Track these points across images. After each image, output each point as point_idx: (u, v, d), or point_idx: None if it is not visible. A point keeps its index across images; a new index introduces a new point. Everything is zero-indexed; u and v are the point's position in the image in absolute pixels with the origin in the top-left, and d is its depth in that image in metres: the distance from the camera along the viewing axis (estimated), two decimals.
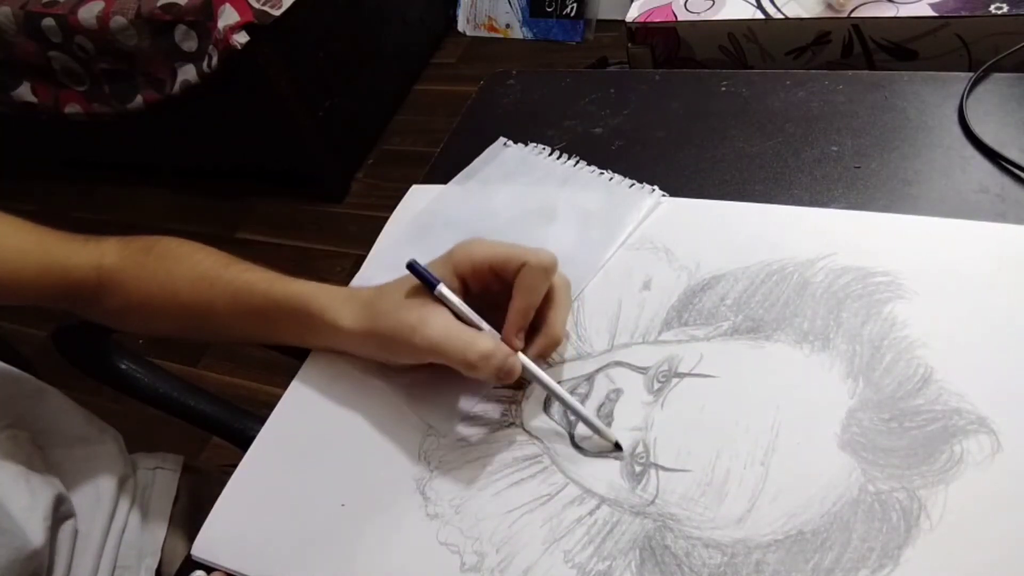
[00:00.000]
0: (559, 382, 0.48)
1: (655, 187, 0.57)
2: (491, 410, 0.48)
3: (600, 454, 0.44)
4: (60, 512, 0.56)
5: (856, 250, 0.48)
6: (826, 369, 0.43)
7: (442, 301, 0.46)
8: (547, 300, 0.46)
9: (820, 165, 0.56)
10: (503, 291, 0.46)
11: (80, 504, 0.58)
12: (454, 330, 0.45)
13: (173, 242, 0.56)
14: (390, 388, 0.51)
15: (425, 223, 0.61)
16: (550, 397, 0.47)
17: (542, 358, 0.47)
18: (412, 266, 0.47)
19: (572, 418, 0.46)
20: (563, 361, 0.49)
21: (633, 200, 0.56)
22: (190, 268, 0.54)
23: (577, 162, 0.61)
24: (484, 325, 0.46)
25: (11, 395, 0.59)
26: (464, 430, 0.48)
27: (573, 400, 0.45)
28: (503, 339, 0.45)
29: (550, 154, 0.63)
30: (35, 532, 0.52)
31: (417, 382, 0.50)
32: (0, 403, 0.57)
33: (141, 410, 0.74)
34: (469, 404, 0.49)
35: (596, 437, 0.45)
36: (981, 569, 0.35)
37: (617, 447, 0.44)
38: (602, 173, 0.59)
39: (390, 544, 0.44)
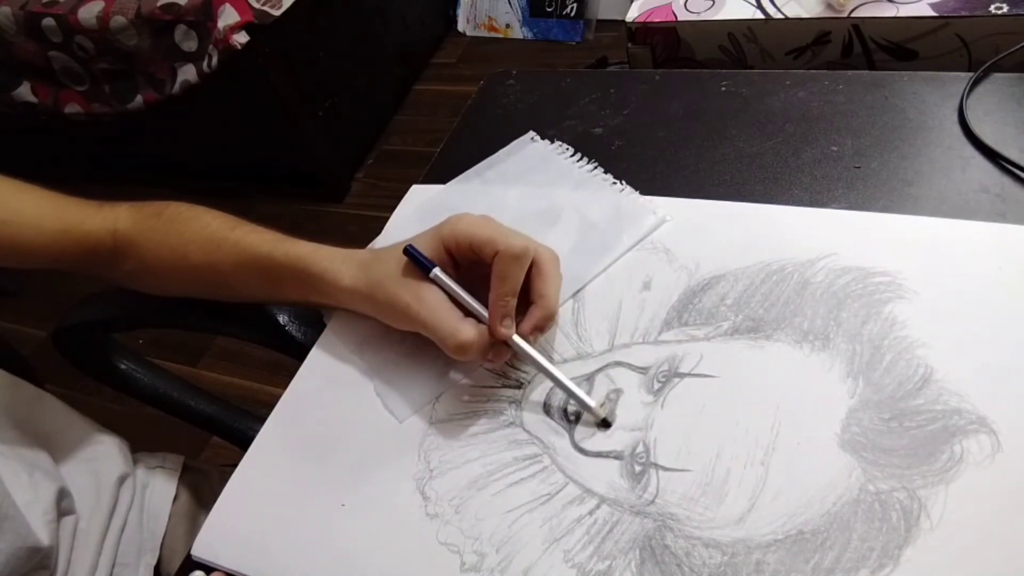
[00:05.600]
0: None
1: (657, 210, 0.55)
2: (491, 410, 0.48)
3: (600, 454, 0.44)
4: (61, 508, 0.56)
5: (856, 250, 0.48)
6: (826, 369, 0.43)
7: (436, 283, 0.48)
8: (537, 274, 0.48)
9: (820, 165, 0.56)
10: (488, 267, 0.48)
11: (80, 501, 0.59)
12: (442, 315, 0.47)
13: (182, 206, 0.58)
14: (367, 367, 0.53)
15: (435, 208, 0.62)
16: (550, 397, 0.47)
17: (540, 332, 0.48)
18: (408, 251, 0.48)
19: (572, 417, 0.46)
20: (563, 361, 0.49)
21: (636, 218, 0.56)
22: (199, 230, 0.56)
23: (595, 167, 0.61)
24: (477, 307, 0.48)
25: (11, 401, 0.60)
26: (464, 428, 0.48)
27: (562, 375, 0.46)
28: (489, 329, 0.47)
29: (572, 155, 0.63)
30: (37, 525, 0.52)
31: (388, 364, 0.52)
32: (3, 407, 0.58)
33: (141, 410, 0.74)
34: (427, 396, 0.50)
35: (597, 435, 0.45)
36: (981, 569, 0.35)
37: (605, 424, 0.45)
38: (615, 183, 0.59)
39: (390, 544, 0.44)
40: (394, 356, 0.52)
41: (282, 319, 0.65)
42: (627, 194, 0.58)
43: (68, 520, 0.57)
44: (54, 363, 0.70)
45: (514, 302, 0.47)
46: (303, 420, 0.52)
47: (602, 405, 0.45)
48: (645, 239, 0.54)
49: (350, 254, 0.53)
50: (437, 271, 0.48)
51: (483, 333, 0.47)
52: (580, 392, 0.46)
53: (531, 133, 0.66)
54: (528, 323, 0.48)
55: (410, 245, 0.49)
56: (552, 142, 0.65)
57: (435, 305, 0.47)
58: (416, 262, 0.48)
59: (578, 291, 0.53)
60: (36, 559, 0.52)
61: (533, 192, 0.61)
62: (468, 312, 0.48)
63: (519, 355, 0.47)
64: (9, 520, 0.50)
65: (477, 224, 0.48)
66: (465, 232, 0.48)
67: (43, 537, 0.53)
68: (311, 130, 1.77)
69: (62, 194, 0.57)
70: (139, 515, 0.64)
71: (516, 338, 0.47)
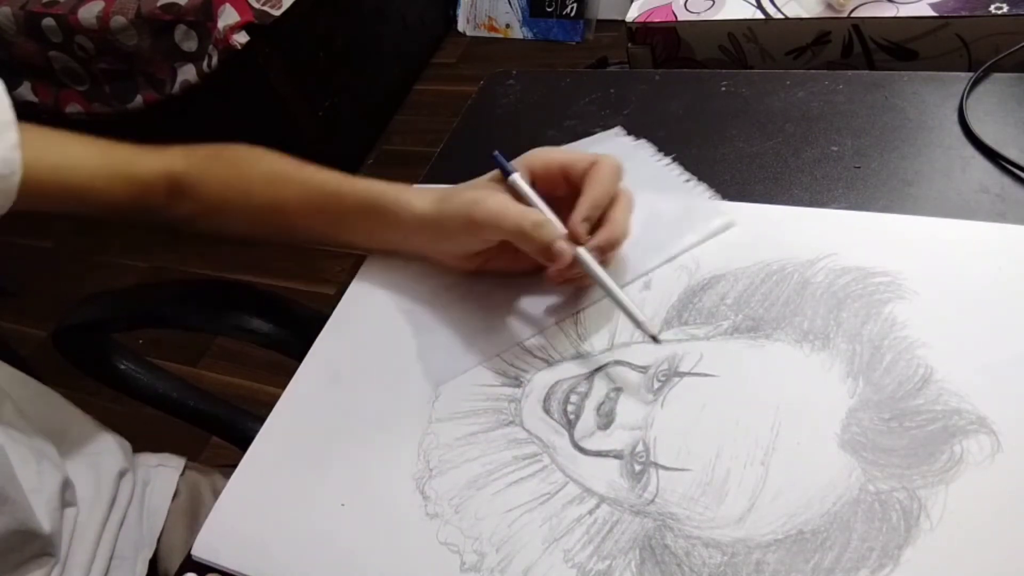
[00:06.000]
0: (559, 381, 0.48)
1: (726, 213, 0.54)
2: (491, 408, 0.48)
3: (600, 453, 0.44)
4: (65, 498, 0.56)
5: (856, 250, 0.48)
6: (826, 369, 0.43)
7: (513, 189, 0.49)
8: (611, 201, 0.49)
9: (820, 165, 0.56)
10: (570, 195, 0.48)
11: (81, 495, 0.59)
12: (511, 204, 0.48)
13: (242, 148, 0.58)
14: (403, 338, 0.53)
15: None
16: (550, 396, 0.47)
17: (603, 252, 0.49)
18: (494, 155, 0.50)
19: (572, 416, 0.46)
20: (563, 360, 0.49)
21: (703, 219, 0.54)
22: (264, 169, 0.57)
23: (671, 163, 0.59)
24: (550, 214, 0.49)
25: (21, 395, 0.60)
26: (463, 427, 0.48)
27: (624, 295, 0.47)
28: (569, 227, 0.47)
29: (654, 153, 0.61)
30: (41, 512, 0.53)
31: (424, 329, 0.53)
32: (14, 398, 0.58)
33: (141, 410, 0.74)
34: (471, 362, 0.50)
35: (597, 434, 0.45)
36: (981, 569, 0.35)
37: (655, 340, 0.46)
38: (688, 179, 0.57)
39: (390, 544, 0.44)
40: (432, 321, 0.53)
41: (282, 319, 0.65)
42: (699, 193, 0.56)
43: (69, 512, 0.57)
44: (54, 363, 0.70)
45: (600, 210, 0.48)
46: (303, 420, 0.52)
47: (598, 407, 0.46)
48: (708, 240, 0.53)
49: (424, 188, 0.54)
50: (516, 176, 0.49)
51: (557, 222, 0.47)
52: (636, 310, 0.46)
53: (618, 127, 0.64)
54: (595, 240, 0.48)
55: (497, 151, 0.50)
56: (636, 139, 0.63)
57: (502, 199, 0.48)
58: (499, 165, 0.49)
59: (631, 280, 0.52)
60: (35, 544, 0.52)
61: None
62: None
63: (582, 266, 0.48)
64: (9, 503, 0.50)
65: (566, 150, 0.50)
66: (557, 153, 0.50)
67: (45, 524, 0.53)
68: (311, 130, 1.77)
69: (108, 140, 0.56)
70: (139, 511, 0.64)
71: (582, 250, 0.47)
